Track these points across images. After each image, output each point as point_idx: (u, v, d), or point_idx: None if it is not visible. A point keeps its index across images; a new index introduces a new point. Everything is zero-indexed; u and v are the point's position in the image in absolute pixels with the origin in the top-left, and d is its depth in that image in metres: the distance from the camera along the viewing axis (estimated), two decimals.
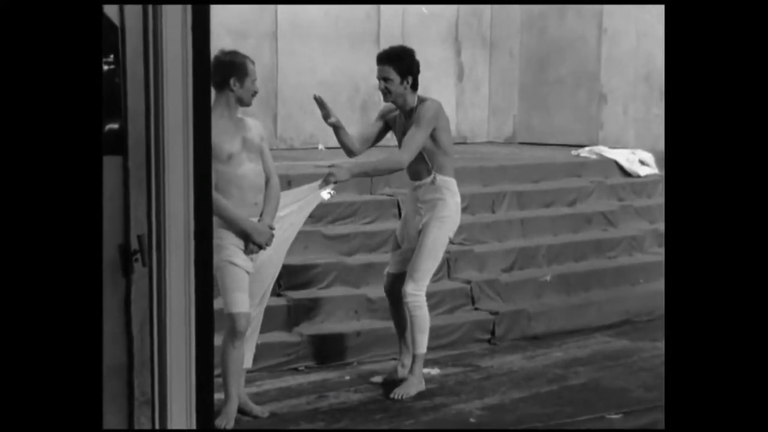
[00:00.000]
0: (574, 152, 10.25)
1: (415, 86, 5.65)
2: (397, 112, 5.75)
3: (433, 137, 5.62)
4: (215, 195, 4.53)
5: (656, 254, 8.50)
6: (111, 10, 3.04)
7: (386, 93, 5.62)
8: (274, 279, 5.33)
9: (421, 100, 5.63)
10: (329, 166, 5.49)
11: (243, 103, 5.00)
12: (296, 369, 6.17)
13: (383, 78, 5.61)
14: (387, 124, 5.86)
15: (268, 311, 5.96)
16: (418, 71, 5.65)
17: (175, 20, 3.14)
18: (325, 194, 5.44)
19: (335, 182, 5.44)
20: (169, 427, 3.25)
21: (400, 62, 5.60)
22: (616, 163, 9.76)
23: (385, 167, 5.73)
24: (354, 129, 10.22)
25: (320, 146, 10.48)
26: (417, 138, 5.54)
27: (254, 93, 5.02)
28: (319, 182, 5.45)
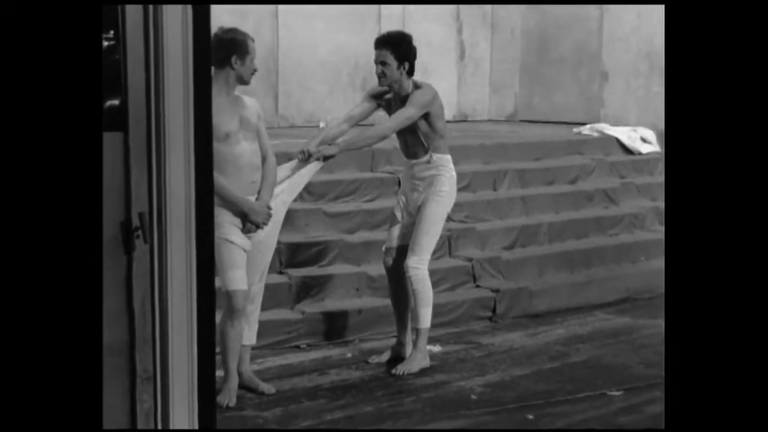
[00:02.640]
0: (575, 130, 10.23)
1: (411, 72, 5.70)
2: (389, 96, 5.77)
3: (428, 122, 5.69)
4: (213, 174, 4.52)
5: (657, 232, 8.51)
6: None
7: (382, 77, 5.66)
8: (271, 256, 5.32)
9: (417, 86, 5.66)
10: (311, 152, 5.46)
11: (243, 81, 4.99)
12: (298, 346, 6.18)
13: (380, 62, 5.64)
14: (377, 104, 5.87)
15: (270, 289, 5.98)
16: (414, 57, 5.70)
17: None
18: (313, 167, 5.44)
19: (325, 158, 5.45)
20: (171, 404, 3.26)
21: (397, 47, 5.63)
22: (618, 140, 9.75)
23: (369, 135, 5.76)
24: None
25: (321, 124, 10.43)
26: (406, 113, 5.60)
27: (254, 71, 5.00)
28: (295, 161, 5.44)
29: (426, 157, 5.75)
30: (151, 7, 3.09)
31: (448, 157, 5.82)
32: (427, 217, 5.72)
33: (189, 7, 3.14)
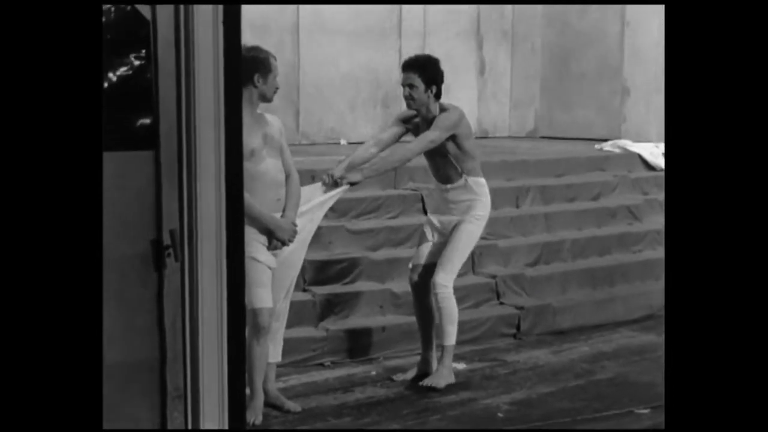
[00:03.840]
0: (597, 146, 10.21)
1: (438, 95, 5.72)
2: (417, 119, 5.78)
3: (456, 144, 5.71)
4: None
5: None
6: (143, 6, 3.04)
7: (410, 100, 5.68)
8: (297, 274, 5.32)
9: (443, 109, 5.67)
10: (337, 178, 5.49)
11: (266, 99, 5.01)
12: (322, 364, 6.17)
13: (408, 85, 5.66)
14: (405, 129, 5.89)
15: (294, 306, 5.96)
16: (442, 80, 5.74)
17: (206, 15, 3.13)
18: (338, 193, 5.47)
19: (350, 184, 5.47)
20: (202, 421, 3.26)
21: (425, 70, 5.66)
22: (640, 156, 9.71)
23: (393, 160, 5.80)
24: (376, 124, 10.29)
25: (342, 141, 10.48)
26: (430, 136, 5.63)
27: (276, 89, 5.02)
28: (319, 183, 5.50)
29: (461, 182, 5.77)
30: (182, 24, 3.11)
31: (483, 180, 5.85)
32: (461, 237, 5.75)
33: (220, 25, 3.15)
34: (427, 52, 10.39)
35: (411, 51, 9.90)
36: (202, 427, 3.26)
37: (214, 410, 3.28)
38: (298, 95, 10.38)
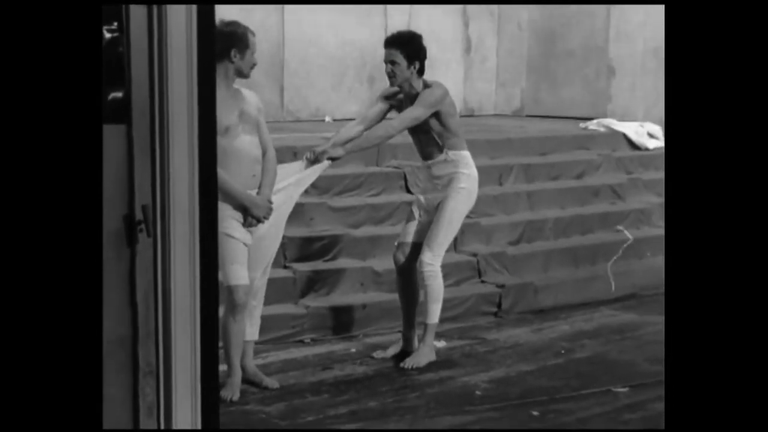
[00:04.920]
0: (582, 125, 10.19)
1: (421, 71, 5.69)
2: (401, 96, 5.76)
3: (440, 121, 5.69)
4: None
5: (663, 228, 8.46)
6: None
7: (392, 76, 5.66)
8: (275, 251, 5.30)
9: (427, 85, 5.65)
10: (319, 153, 5.45)
11: (242, 74, 4.97)
12: (302, 341, 6.17)
13: (390, 61, 5.64)
14: (390, 105, 5.86)
15: (274, 283, 5.96)
16: (425, 56, 5.70)
17: None
18: (320, 169, 5.44)
19: (331, 160, 5.45)
20: (174, 398, 3.25)
21: (407, 47, 5.63)
22: (625, 135, 9.70)
23: (375, 136, 5.76)
24: (361, 101, 10.25)
25: (327, 118, 10.44)
26: (413, 113, 5.61)
27: (253, 65, 4.99)
28: (302, 161, 5.45)
29: (442, 156, 5.75)
30: None
31: (466, 153, 5.81)
32: (445, 214, 5.73)
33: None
34: (412, 29, 10.42)
35: (396, 28, 9.87)
36: (174, 404, 3.25)
37: (186, 387, 3.27)
38: (282, 72, 10.33)
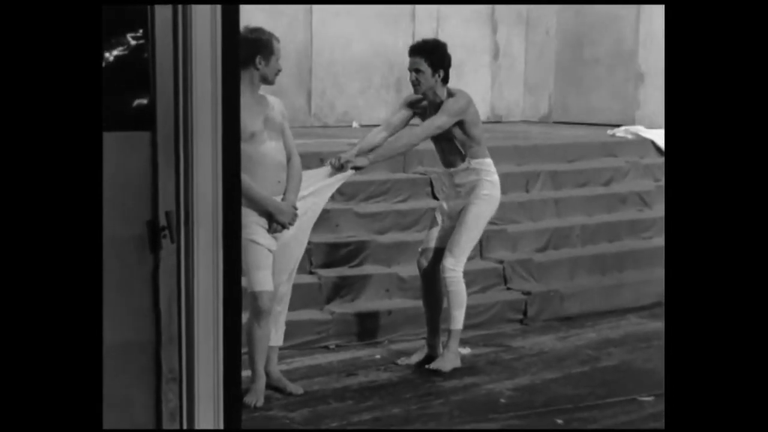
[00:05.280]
0: (609, 132, 10.16)
1: (446, 79, 5.69)
2: (425, 104, 5.76)
3: (463, 130, 5.69)
4: None
5: None
6: None
7: (416, 84, 5.66)
8: (300, 257, 5.31)
9: (451, 94, 5.65)
10: (344, 162, 5.47)
11: (267, 81, 4.98)
12: (327, 347, 6.17)
13: (415, 69, 5.64)
14: (413, 113, 5.86)
15: (300, 289, 5.98)
16: (449, 64, 5.70)
17: None
18: (344, 177, 5.46)
19: (355, 169, 5.46)
20: (197, 403, 3.26)
21: (432, 55, 5.63)
22: (653, 143, 9.66)
23: (399, 145, 5.78)
24: (388, 107, 10.25)
25: (354, 124, 10.46)
26: (437, 121, 5.62)
27: (278, 71, 5.00)
28: (327, 167, 5.47)
29: (464, 164, 5.75)
30: (180, 5, 3.09)
31: (489, 161, 5.81)
32: (468, 220, 5.73)
33: (218, 6, 3.13)
34: (440, 36, 10.43)
35: (424, 35, 9.86)
36: (196, 409, 3.26)
37: (209, 392, 3.28)
38: (310, 78, 10.36)
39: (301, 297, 6.08)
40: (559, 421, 4.98)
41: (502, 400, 5.30)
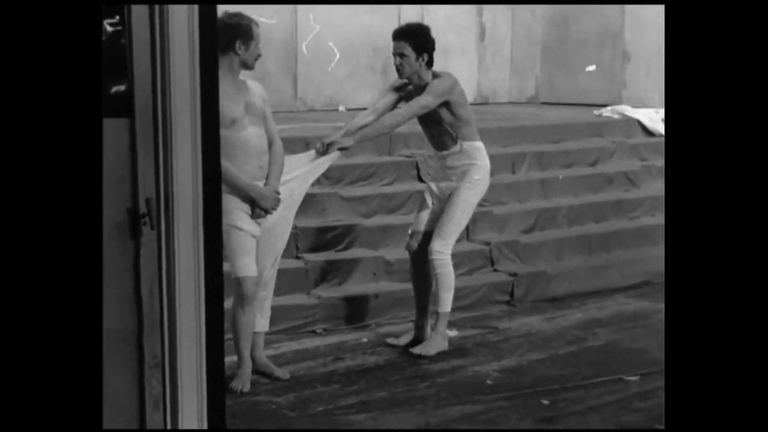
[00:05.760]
0: (596, 112, 10.16)
1: (430, 63, 5.69)
2: (411, 88, 5.75)
3: (450, 111, 5.69)
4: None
5: None
6: None
7: (401, 69, 5.65)
8: (285, 243, 5.30)
9: (436, 76, 5.65)
10: (329, 143, 5.45)
11: (247, 66, 4.95)
12: (314, 331, 6.17)
13: (399, 54, 5.64)
14: (399, 96, 5.85)
15: (287, 274, 5.99)
16: (433, 48, 5.69)
17: None
18: (330, 159, 5.44)
19: (341, 150, 5.45)
20: (180, 390, 3.26)
21: (415, 39, 5.63)
22: (639, 122, 9.67)
23: (384, 125, 5.75)
24: (375, 90, 10.23)
25: (341, 107, 10.44)
26: (422, 101, 5.62)
27: (258, 56, 4.97)
28: (312, 151, 5.46)
29: (457, 147, 5.75)
30: None
31: (480, 144, 5.82)
32: (457, 203, 5.74)
33: None
34: (426, 18, 10.40)
35: (410, 17, 9.87)
36: (180, 395, 3.26)
37: (192, 379, 3.28)
38: (296, 62, 10.33)
39: (288, 282, 6.09)
40: (545, 402, 5.00)
41: (489, 382, 5.31)
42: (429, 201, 5.91)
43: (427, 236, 5.84)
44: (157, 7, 3.08)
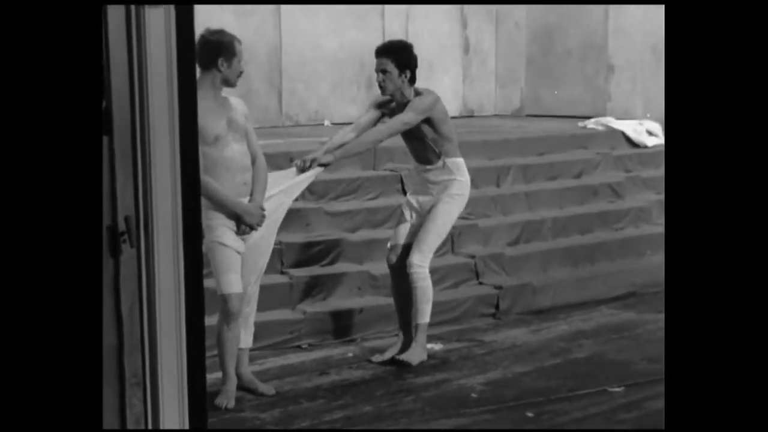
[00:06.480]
0: (580, 124, 10.19)
1: (412, 80, 5.72)
2: (393, 104, 5.77)
3: (433, 127, 5.73)
4: (204, 178, 4.54)
5: (663, 225, 8.44)
6: None
7: (384, 85, 5.67)
8: (268, 258, 5.30)
9: (418, 93, 5.68)
10: (310, 160, 5.46)
11: (229, 83, 4.96)
12: (299, 346, 6.17)
13: (381, 70, 5.66)
14: (382, 113, 5.88)
15: (272, 289, 5.99)
16: (416, 65, 5.73)
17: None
18: (311, 176, 5.45)
19: (322, 166, 5.46)
20: (162, 407, 3.25)
21: (398, 55, 5.66)
22: (623, 134, 9.70)
23: (364, 141, 5.77)
24: (360, 105, 10.25)
25: (326, 122, 10.45)
26: (404, 118, 5.65)
27: (240, 73, 4.98)
28: (294, 168, 5.45)
29: (440, 163, 5.79)
30: (133, 7, 3.08)
31: (461, 160, 5.86)
32: (437, 217, 5.77)
33: (172, 7, 3.12)
34: (410, 32, 10.43)
35: (394, 31, 9.91)
36: (161, 414, 3.26)
37: (173, 397, 3.27)
38: (280, 77, 10.34)
39: (273, 297, 6.09)
40: (530, 414, 5.00)
41: (473, 395, 5.31)
42: (407, 214, 5.93)
43: (407, 249, 5.86)
44: (134, 22, 3.08)
